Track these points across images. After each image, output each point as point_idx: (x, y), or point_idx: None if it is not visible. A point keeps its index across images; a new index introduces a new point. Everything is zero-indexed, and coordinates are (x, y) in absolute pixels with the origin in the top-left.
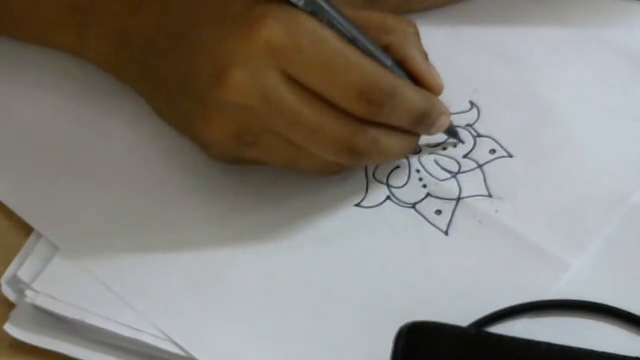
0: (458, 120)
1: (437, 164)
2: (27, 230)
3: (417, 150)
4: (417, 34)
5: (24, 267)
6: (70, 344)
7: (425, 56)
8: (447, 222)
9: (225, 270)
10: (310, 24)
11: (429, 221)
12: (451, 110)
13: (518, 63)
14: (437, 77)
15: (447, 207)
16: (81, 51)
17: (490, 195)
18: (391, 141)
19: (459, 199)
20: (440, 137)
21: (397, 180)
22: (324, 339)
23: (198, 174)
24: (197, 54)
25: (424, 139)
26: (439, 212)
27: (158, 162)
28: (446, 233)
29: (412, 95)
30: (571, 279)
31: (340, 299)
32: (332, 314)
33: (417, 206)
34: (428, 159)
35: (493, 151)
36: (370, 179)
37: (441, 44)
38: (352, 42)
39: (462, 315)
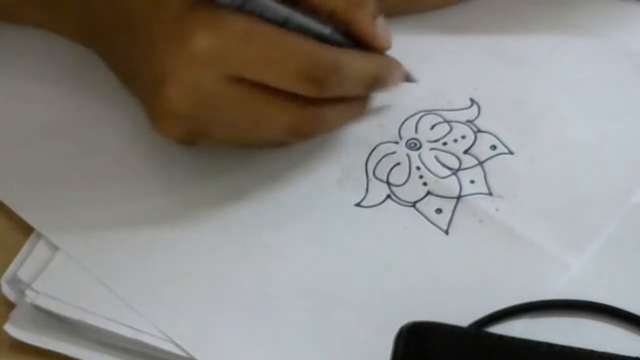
0: (458, 117)
1: (437, 160)
2: (27, 230)
3: (418, 146)
4: None
5: (24, 267)
6: (70, 344)
7: (373, 16)
8: (447, 221)
9: (225, 270)
10: (238, 23)
11: (429, 220)
12: (451, 107)
13: (518, 63)
14: (382, 36)
15: (448, 206)
16: (50, 26)
17: (490, 193)
18: (339, 112)
19: (459, 197)
20: None
21: (397, 177)
22: (324, 339)
23: (201, 176)
24: (140, 55)
25: None
26: (439, 211)
27: (160, 162)
28: (446, 232)
29: (358, 63)
30: (571, 279)
31: (340, 299)
32: (332, 314)
33: (417, 205)
34: (428, 155)
35: (493, 147)
36: (370, 177)
37: (441, 43)
38: (284, 24)
39: (462, 315)
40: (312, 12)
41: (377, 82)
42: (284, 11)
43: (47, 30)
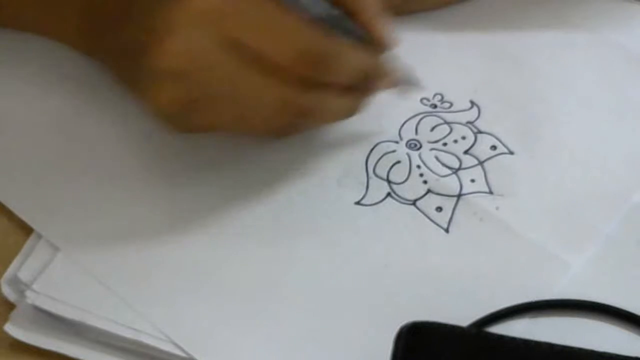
0: (458, 118)
1: (438, 160)
2: (27, 230)
3: (418, 147)
4: None
5: (24, 268)
6: (70, 344)
7: (380, 9)
8: (447, 219)
9: (225, 270)
10: None
11: (429, 218)
12: (452, 109)
13: (518, 63)
14: (386, 31)
15: (448, 204)
16: (44, 26)
17: (491, 192)
18: (337, 100)
19: (459, 195)
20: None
21: (398, 175)
22: (324, 339)
23: (200, 176)
24: (140, 23)
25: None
26: (439, 209)
27: (160, 163)
28: (447, 230)
29: (355, 53)
30: (571, 279)
31: (340, 298)
32: (332, 313)
33: (418, 203)
34: (428, 155)
35: (494, 147)
36: (371, 174)
37: (441, 44)
38: None
39: (462, 315)
40: None
41: (368, 77)
42: None
43: (39, 35)
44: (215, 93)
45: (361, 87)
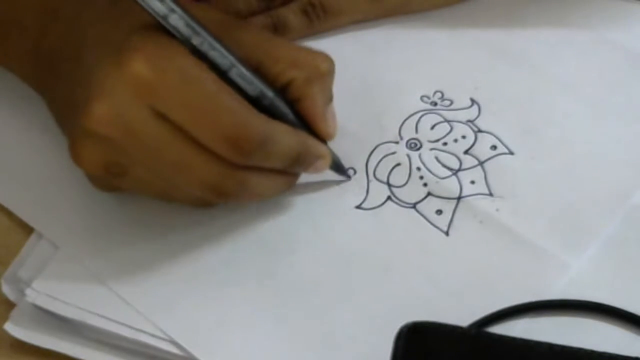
0: (459, 116)
1: (438, 160)
2: (27, 230)
3: (418, 146)
4: (330, 73)
5: (24, 267)
6: (70, 343)
7: (328, 98)
8: (447, 222)
9: (225, 270)
10: (183, 61)
11: (429, 221)
12: (452, 107)
13: (518, 63)
14: (329, 123)
15: (448, 207)
16: (6, 64)
17: (490, 194)
18: (263, 182)
19: (459, 198)
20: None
21: (398, 178)
22: (324, 339)
23: None
24: (77, 79)
25: None
26: (439, 212)
27: None
28: (447, 233)
29: (285, 140)
30: (571, 279)
31: (341, 300)
32: (333, 314)
33: (418, 206)
34: (428, 155)
35: (494, 147)
36: (371, 178)
37: (441, 43)
38: (228, 70)
39: (462, 315)
40: (271, 80)
41: (298, 162)
42: (231, 58)
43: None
44: (138, 162)
45: (290, 170)
